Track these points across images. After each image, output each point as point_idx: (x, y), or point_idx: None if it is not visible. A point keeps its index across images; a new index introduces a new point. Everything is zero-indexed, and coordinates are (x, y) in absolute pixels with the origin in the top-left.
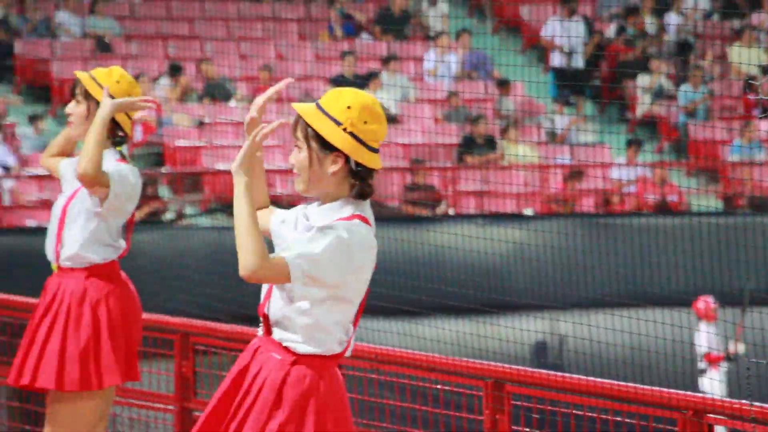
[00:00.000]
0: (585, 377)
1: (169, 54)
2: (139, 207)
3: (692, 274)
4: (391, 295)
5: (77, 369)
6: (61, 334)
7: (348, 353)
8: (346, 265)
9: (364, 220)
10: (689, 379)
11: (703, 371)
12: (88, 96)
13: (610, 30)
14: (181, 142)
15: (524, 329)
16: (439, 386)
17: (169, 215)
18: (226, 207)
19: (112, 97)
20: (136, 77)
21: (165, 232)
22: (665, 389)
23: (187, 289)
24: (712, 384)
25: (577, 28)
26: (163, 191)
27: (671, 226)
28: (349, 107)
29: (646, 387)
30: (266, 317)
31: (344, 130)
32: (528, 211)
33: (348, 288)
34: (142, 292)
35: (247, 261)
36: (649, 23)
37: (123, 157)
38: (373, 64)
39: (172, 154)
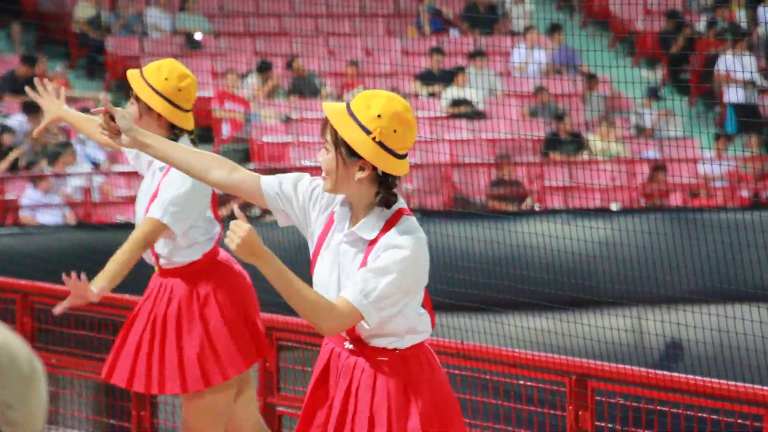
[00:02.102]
0: (669, 373)
1: (258, 50)
2: (226, 203)
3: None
4: (475, 291)
5: (197, 368)
6: (176, 338)
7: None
8: (415, 277)
9: (408, 211)
10: None
11: None
12: (138, 96)
13: (701, 24)
14: (268, 138)
15: (609, 327)
16: (522, 382)
17: (255, 211)
18: None
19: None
20: (224, 74)
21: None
22: (750, 385)
23: (267, 284)
24: None
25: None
26: None
27: (757, 220)
28: (379, 116)
29: (730, 383)
30: (358, 336)
31: (373, 139)
32: (614, 206)
33: (417, 288)
34: None
35: (321, 327)
36: (740, 16)
37: None
38: (460, 59)
39: (259, 150)
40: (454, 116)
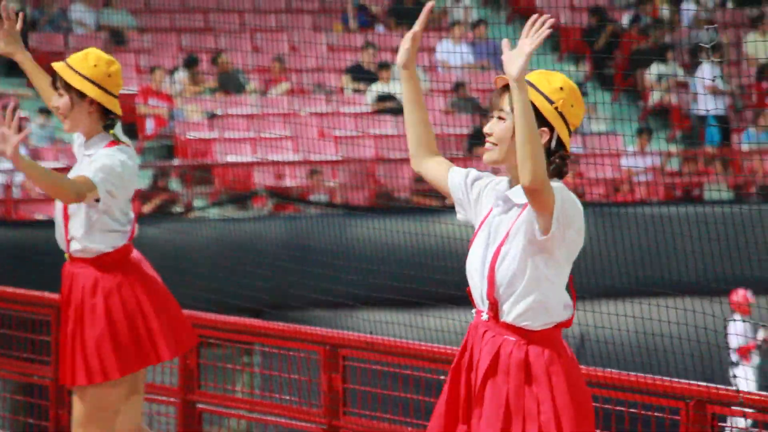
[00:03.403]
0: (585, 367)
1: (183, 46)
2: (149, 199)
3: (702, 262)
4: (398, 286)
5: (97, 361)
6: (78, 329)
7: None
8: (576, 221)
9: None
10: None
11: (735, 363)
12: (68, 87)
13: (625, 19)
14: (192, 135)
15: None
16: (443, 377)
17: (178, 208)
18: (235, 199)
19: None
20: (150, 70)
21: (174, 224)
22: (667, 378)
23: (195, 281)
24: (746, 375)
25: None
26: (173, 184)
27: (685, 214)
28: (561, 88)
29: (648, 376)
30: (495, 303)
31: (555, 109)
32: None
33: (571, 248)
34: None
35: (537, 171)
36: (664, 12)
37: (115, 140)
38: (388, 55)
39: (183, 146)
40: (379, 112)
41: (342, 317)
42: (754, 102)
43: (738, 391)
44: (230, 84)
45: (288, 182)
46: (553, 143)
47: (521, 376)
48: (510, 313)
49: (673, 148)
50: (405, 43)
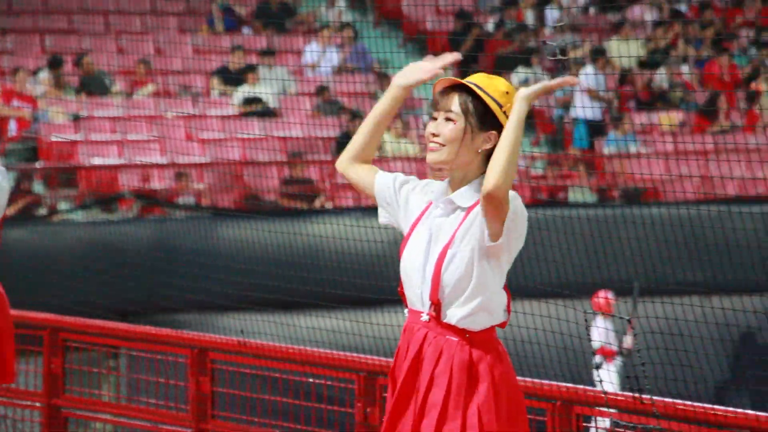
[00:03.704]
0: None
1: (47, 48)
2: (12, 202)
3: (569, 265)
4: (267, 289)
5: None
6: None
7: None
8: (523, 229)
9: None
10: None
11: (598, 365)
12: None
13: (490, 24)
14: (56, 137)
15: (400, 326)
16: (312, 380)
17: (42, 210)
18: (101, 202)
19: None
20: (13, 71)
21: (38, 227)
22: (536, 380)
23: (60, 284)
24: (609, 377)
25: None
26: (37, 187)
27: (551, 217)
28: (507, 92)
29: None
30: (438, 304)
31: (504, 112)
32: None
33: (513, 253)
34: (15, 288)
35: (507, 182)
36: (529, 17)
37: None
38: (254, 58)
39: (47, 148)
40: (245, 115)
41: (210, 320)
42: (616, 106)
43: (604, 393)
44: (95, 86)
45: (155, 185)
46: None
47: (464, 377)
48: (454, 315)
49: (537, 152)
50: (421, 74)
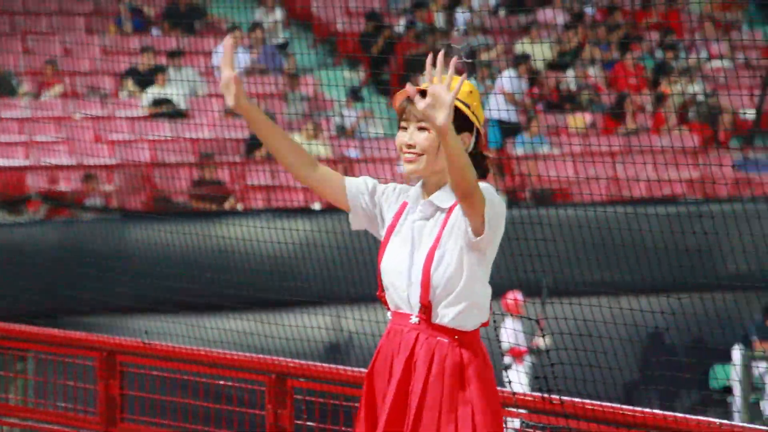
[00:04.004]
0: (365, 370)
1: None
2: None
3: None
4: (178, 291)
5: None
6: None
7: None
8: (503, 219)
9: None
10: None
11: (507, 366)
12: None
13: (400, 25)
14: None
15: (311, 326)
16: (221, 382)
17: None
18: (8, 204)
19: None
20: None
21: None
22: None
23: None
24: (518, 378)
25: None
26: None
27: None
28: (471, 92)
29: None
30: (429, 305)
31: (473, 112)
32: (316, 206)
33: (496, 247)
34: None
35: (467, 176)
36: (439, 18)
37: None
38: (163, 59)
39: None
40: (155, 116)
41: (119, 323)
42: (527, 107)
43: (513, 393)
44: (2, 87)
45: (62, 186)
46: (471, 146)
47: (455, 379)
48: (446, 315)
49: None
50: (225, 89)
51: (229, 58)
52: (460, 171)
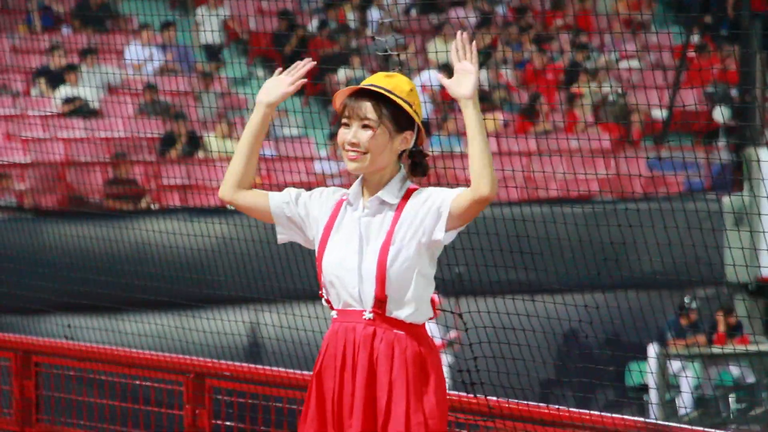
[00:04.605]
0: (284, 369)
1: None
2: None
3: None
4: (93, 291)
5: None
6: None
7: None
8: None
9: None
10: None
11: None
12: None
13: (313, 24)
14: None
15: (230, 320)
16: (138, 382)
17: None
18: None
19: None
20: None
21: None
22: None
23: None
24: None
25: None
26: None
27: None
28: (411, 90)
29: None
30: (384, 300)
31: (415, 111)
32: (231, 206)
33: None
34: None
35: (496, 181)
36: (351, 18)
37: None
38: (75, 57)
39: None
40: (67, 114)
41: (33, 323)
42: (441, 106)
43: None
44: None
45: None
46: (412, 144)
47: (417, 369)
48: (402, 310)
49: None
50: (284, 88)
51: (301, 74)
52: (486, 152)
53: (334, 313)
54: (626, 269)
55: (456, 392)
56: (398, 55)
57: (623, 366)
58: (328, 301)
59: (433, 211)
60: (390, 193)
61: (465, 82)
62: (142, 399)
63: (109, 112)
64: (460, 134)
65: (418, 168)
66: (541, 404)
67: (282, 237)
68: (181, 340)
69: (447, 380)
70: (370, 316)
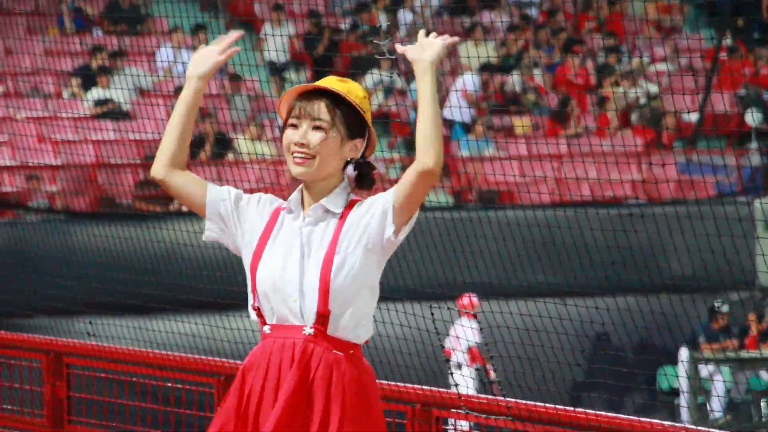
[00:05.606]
0: None
1: None
2: None
3: (423, 268)
4: (123, 292)
5: None
6: None
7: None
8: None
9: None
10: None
11: (459, 366)
12: None
13: (344, 25)
14: None
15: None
16: (169, 384)
17: None
18: None
19: None
20: None
21: None
22: (394, 383)
23: None
24: (466, 380)
25: None
26: None
27: None
28: (365, 96)
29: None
30: (327, 315)
31: (366, 120)
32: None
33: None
34: None
35: (441, 153)
36: (382, 20)
37: None
38: (102, 59)
39: None
40: (98, 116)
41: (65, 324)
42: (485, 107)
43: (459, 395)
44: None
45: (6, 188)
46: (361, 152)
47: (355, 395)
48: (344, 326)
49: (395, 155)
50: (215, 57)
51: (228, 42)
52: (436, 123)
53: (267, 328)
54: (656, 272)
55: (485, 395)
56: (390, 54)
57: (654, 370)
58: (259, 314)
59: (379, 213)
60: (334, 201)
61: (430, 48)
62: (173, 400)
63: (140, 114)
64: (489, 137)
65: (365, 180)
66: (571, 408)
67: (210, 234)
68: (210, 339)
69: (474, 381)
70: (311, 331)
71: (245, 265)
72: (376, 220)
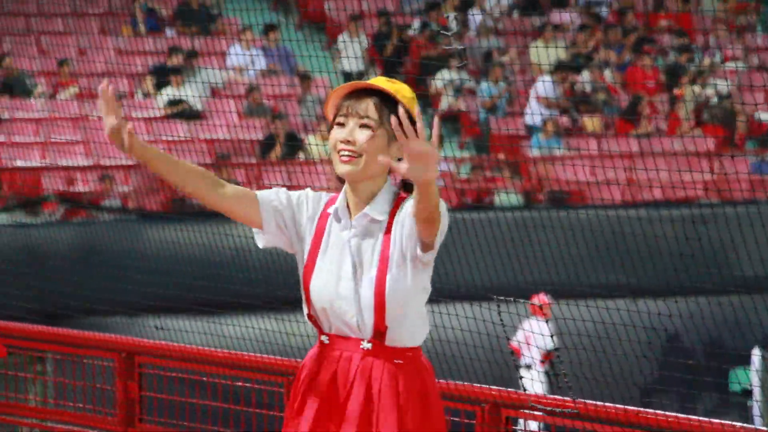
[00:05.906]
0: None
1: None
2: None
3: (493, 268)
4: (194, 293)
5: None
6: None
7: None
8: (445, 227)
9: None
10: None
11: (528, 367)
12: None
13: (414, 25)
14: None
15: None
16: (240, 383)
17: None
18: (24, 204)
19: None
20: None
21: None
22: (463, 383)
23: None
24: (538, 378)
25: None
26: None
27: (475, 220)
28: (413, 97)
29: (442, 381)
30: (384, 330)
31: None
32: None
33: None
34: None
35: (437, 209)
36: (452, 19)
37: None
38: (177, 59)
39: None
40: (170, 116)
41: (137, 323)
42: (569, 109)
43: (528, 395)
44: (16, 88)
45: (79, 187)
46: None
47: (419, 403)
48: (402, 336)
49: (465, 154)
50: (113, 137)
51: (111, 105)
52: (431, 209)
53: (324, 338)
54: (728, 273)
55: (553, 396)
56: (461, 58)
57: (726, 371)
58: (314, 324)
59: (408, 227)
60: (379, 209)
61: (431, 164)
62: (243, 400)
63: (212, 114)
64: (560, 135)
65: (406, 185)
66: (642, 409)
67: (265, 242)
68: (284, 338)
69: (544, 384)
70: (369, 346)
71: (299, 271)
72: (407, 237)
